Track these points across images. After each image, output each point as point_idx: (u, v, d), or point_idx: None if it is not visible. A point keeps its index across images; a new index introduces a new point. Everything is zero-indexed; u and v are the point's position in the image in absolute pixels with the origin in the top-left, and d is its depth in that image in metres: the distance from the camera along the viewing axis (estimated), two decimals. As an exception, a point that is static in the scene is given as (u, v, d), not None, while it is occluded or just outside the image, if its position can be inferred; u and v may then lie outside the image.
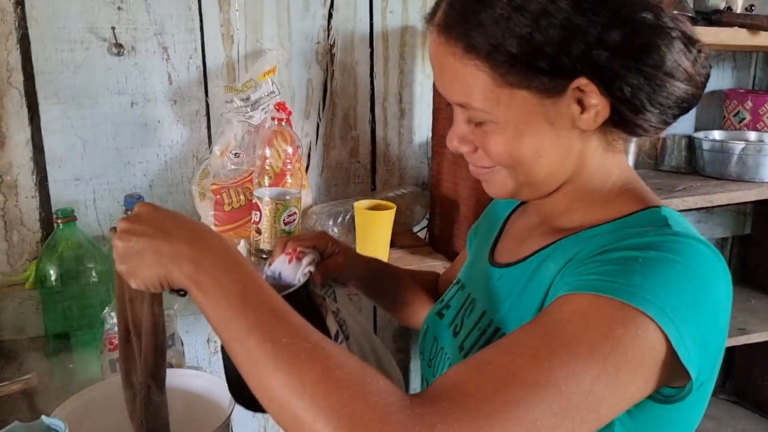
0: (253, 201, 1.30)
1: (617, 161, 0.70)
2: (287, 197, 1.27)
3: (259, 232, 1.29)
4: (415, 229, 1.63)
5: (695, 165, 1.77)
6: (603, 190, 0.70)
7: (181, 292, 0.64)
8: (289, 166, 1.38)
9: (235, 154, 1.39)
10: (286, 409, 0.52)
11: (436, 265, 1.42)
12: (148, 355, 0.74)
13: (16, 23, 1.26)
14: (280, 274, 0.82)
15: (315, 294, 0.82)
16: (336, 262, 0.89)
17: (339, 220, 1.45)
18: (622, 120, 0.65)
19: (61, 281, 1.24)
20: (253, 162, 1.41)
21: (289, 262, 0.82)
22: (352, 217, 1.45)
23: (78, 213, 1.26)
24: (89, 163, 1.37)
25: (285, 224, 1.27)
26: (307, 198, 1.49)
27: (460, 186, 1.48)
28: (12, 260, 1.35)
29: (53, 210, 1.34)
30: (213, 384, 1.05)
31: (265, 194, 1.28)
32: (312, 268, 0.82)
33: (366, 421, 0.50)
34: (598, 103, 0.63)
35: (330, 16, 1.50)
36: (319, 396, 0.51)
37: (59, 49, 1.30)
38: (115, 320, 1.24)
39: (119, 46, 1.33)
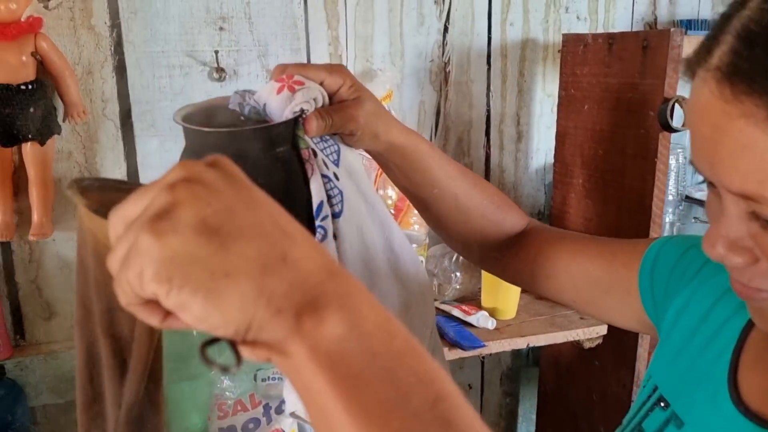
0: (374, 247, 1.15)
1: None
2: (413, 245, 1.13)
3: (381, 282, 1.14)
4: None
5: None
6: None
7: (230, 367, 0.33)
8: (403, 203, 1.24)
9: (346, 189, 1.25)
10: None
11: (568, 314, 1.27)
12: (133, 392, 0.45)
13: (112, 48, 1.13)
14: (264, 106, 0.58)
15: (302, 142, 0.58)
16: (348, 113, 0.61)
17: (454, 259, 1.30)
18: None
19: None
20: (364, 197, 1.27)
21: (278, 92, 0.57)
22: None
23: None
24: (187, 200, 1.24)
25: (411, 275, 1.13)
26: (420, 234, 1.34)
27: (594, 222, 1.32)
28: (105, 307, 1.23)
29: (149, 252, 1.22)
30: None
31: (388, 240, 1.14)
32: (308, 108, 0.57)
33: None
34: None
35: (446, 30, 1.34)
36: None
37: (157, 76, 1.17)
38: (227, 384, 1.12)
39: (221, 70, 1.19)
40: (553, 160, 1.42)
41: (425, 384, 0.32)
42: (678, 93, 1.09)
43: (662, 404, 0.62)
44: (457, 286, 1.25)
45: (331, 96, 0.61)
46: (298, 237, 0.35)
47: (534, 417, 1.60)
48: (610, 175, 1.26)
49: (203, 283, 0.31)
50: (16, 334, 1.18)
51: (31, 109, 1.04)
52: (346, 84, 0.61)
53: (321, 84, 0.60)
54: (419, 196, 0.72)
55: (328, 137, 0.61)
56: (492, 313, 1.22)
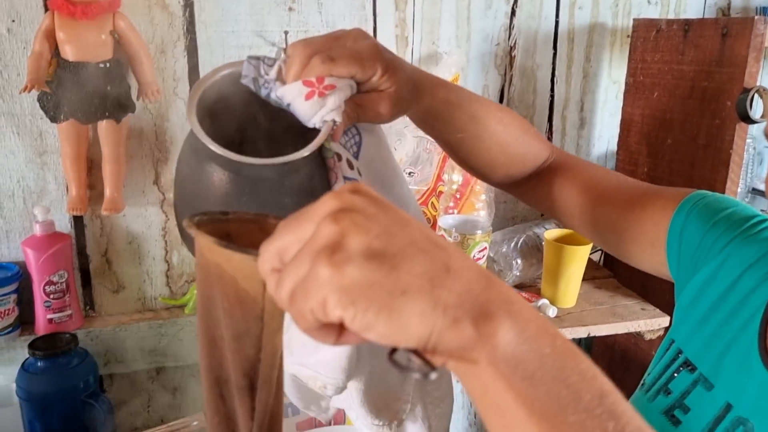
0: (438, 231, 1.15)
1: None
2: (478, 231, 1.12)
3: (444, 267, 1.14)
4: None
5: None
6: None
7: (423, 368, 0.34)
8: (466, 188, 1.23)
9: (409, 173, 1.25)
10: None
11: (629, 305, 1.26)
12: (262, 404, 0.46)
13: (185, 28, 1.14)
14: (289, 105, 0.56)
15: (328, 151, 0.57)
16: (378, 108, 0.59)
17: (513, 245, 1.29)
18: None
19: (227, 312, 1.14)
20: (426, 181, 1.27)
21: (307, 97, 0.53)
22: (528, 245, 1.29)
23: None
24: (251, 179, 1.25)
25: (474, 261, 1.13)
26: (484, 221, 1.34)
27: (659, 213, 1.29)
28: (171, 282, 1.26)
29: (214, 229, 1.24)
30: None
31: (452, 226, 1.14)
32: (337, 117, 0.54)
33: None
34: None
35: (513, 13, 1.32)
36: None
37: (227, 56, 1.17)
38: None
39: (289, 51, 1.19)
40: (615, 148, 1.39)
41: (589, 380, 0.34)
42: (758, 83, 1.06)
43: (689, 367, 0.63)
44: (517, 273, 1.25)
45: (359, 84, 0.57)
46: (450, 248, 0.37)
47: (584, 405, 1.60)
48: (678, 164, 1.24)
49: (385, 304, 0.33)
50: (86, 305, 1.22)
51: (108, 87, 1.06)
52: (378, 74, 0.58)
53: (351, 77, 0.56)
54: (443, 140, 0.73)
55: (350, 128, 0.60)
56: (551, 301, 1.21)
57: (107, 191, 1.13)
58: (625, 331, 1.20)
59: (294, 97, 0.53)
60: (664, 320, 1.21)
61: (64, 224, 1.17)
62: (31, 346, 1.07)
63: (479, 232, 1.12)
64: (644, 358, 1.37)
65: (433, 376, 0.34)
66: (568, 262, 1.18)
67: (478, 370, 0.35)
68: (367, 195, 0.37)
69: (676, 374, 0.65)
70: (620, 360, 1.46)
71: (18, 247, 1.14)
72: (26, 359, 1.08)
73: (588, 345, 1.58)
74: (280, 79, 0.57)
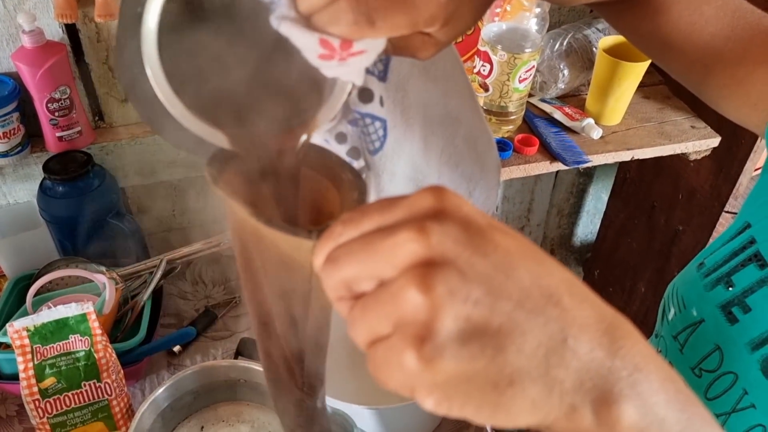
0: (481, 48, 1.02)
1: None
2: (527, 49, 0.99)
3: (485, 88, 1.03)
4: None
5: None
6: None
7: None
8: None
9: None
10: None
11: (679, 121, 1.17)
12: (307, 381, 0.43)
13: None
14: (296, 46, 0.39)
15: None
16: (417, 49, 0.39)
17: (558, 47, 1.16)
18: None
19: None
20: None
21: (323, 58, 0.36)
22: (576, 49, 1.15)
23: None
24: None
25: (520, 81, 1.01)
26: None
27: None
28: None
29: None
30: None
31: (498, 42, 0.99)
32: (358, 80, 0.38)
33: None
34: None
35: None
36: None
37: None
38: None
39: None
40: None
41: None
42: None
43: (759, 262, 0.57)
44: (562, 86, 1.14)
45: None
46: (565, 296, 0.29)
47: (605, 198, 1.60)
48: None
49: (487, 398, 0.28)
50: (95, 116, 1.13)
51: None
52: (433, 28, 0.38)
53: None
54: None
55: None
56: (597, 119, 1.12)
57: (98, -7, 0.97)
58: (672, 152, 1.13)
59: (303, 47, 0.35)
60: (714, 141, 1.13)
61: (54, 30, 1.03)
62: (46, 169, 1.02)
63: (528, 49, 0.99)
64: (679, 167, 1.32)
65: None
66: (621, 79, 1.07)
67: None
68: (457, 220, 0.28)
69: (742, 266, 0.58)
70: (653, 163, 1.41)
71: (8, 57, 1.02)
72: (43, 180, 1.04)
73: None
74: None
